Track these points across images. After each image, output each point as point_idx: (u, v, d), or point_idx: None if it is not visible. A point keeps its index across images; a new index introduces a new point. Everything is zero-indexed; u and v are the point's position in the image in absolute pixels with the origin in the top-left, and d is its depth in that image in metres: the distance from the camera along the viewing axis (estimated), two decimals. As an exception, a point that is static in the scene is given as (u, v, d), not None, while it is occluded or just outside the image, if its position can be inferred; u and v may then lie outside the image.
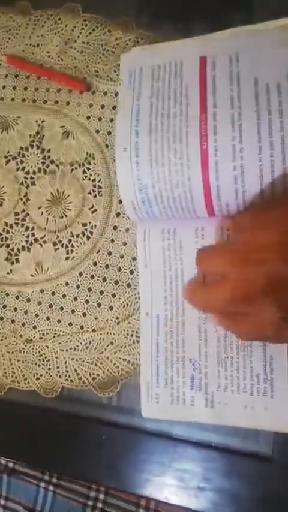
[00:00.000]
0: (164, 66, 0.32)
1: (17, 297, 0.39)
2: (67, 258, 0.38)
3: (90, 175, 0.37)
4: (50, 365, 0.37)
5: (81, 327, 0.37)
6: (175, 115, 0.30)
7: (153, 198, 0.30)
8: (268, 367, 0.30)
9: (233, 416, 0.31)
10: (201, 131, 0.28)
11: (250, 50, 0.30)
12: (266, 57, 0.29)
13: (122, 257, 0.36)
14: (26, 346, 0.38)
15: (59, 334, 0.37)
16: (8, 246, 0.39)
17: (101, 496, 0.66)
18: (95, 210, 0.37)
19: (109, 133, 0.37)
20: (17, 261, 0.39)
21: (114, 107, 0.37)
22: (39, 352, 0.38)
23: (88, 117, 0.38)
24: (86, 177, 0.38)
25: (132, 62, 0.33)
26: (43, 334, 0.38)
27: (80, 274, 0.37)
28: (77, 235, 0.37)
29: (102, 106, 0.37)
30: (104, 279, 0.36)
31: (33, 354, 0.38)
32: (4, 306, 0.39)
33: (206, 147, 0.28)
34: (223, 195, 0.29)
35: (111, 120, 0.37)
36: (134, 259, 0.36)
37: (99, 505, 0.64)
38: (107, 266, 0.37)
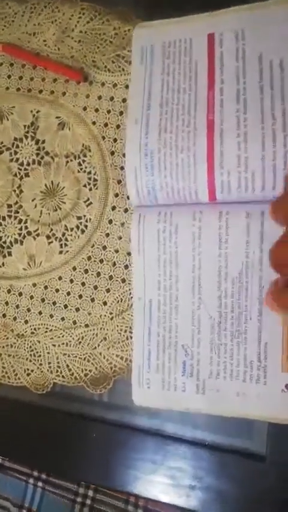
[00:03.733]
0: (174, 43, 0.33)
1: (9, 291, 0.38)
2: (61, 252, 0.37)
3: (86, 167, 0.37)
4: (41, 360, 0.37)
5: (74, 322, 0.36)
6: (185, 90, 0.32)
7: (156, 164, 0.31)
8: (262, 355, 0.30)
9: (225, 403, 0.30)
10: (209, 104, 0.31)
11: (255, 27, 0.31)
12: (269, 33, 0.31)
13: (116, 251, 0.36)
14: (17, 341, 0.37)
15: (51, 329, 0.37)
16: (0, 238, 0.38)
17: (90, 493, 0.65)
18: (90, 203, 0.36)
19: (106, 125, 0.36)
20: (9, 254, 0.38)
21: (111, 98, 0.36)
22: (30, 347, 0.37)
23: (85, 108, 0.37)
24: (81, 169, 0.37)
25: (143, 39, 0.34)
26: (35, 329, 0.37)
27: (74, 268, 0.36)
28: (71, 229, 0.37)
29: (100, 97, 0.37)
30: (98, 274, 0.36)
31: (24, 349, 0.37)
32: (-5, 300, 0.38)
33: (212, 117, 0.30)
34: (226, 161, 0.29)
35: (109, 111, 0.36)
36: (129, 254, 0.35)
37: (88, 501, 0.64)
38: (101, 261, 0.36)
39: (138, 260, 0.33)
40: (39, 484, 0.69)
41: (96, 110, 0.37)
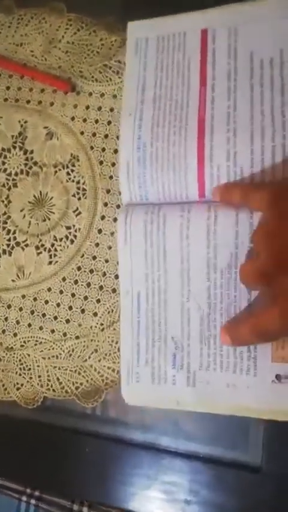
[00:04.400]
0: (168, 37, 0.34)
1: (-3, 303, 0.37)
2: (50, 263, 0.36)
3: (74, 177, 0.36)
4: (31, 374, 0.36)
5: (64, 334, 0.35)
6: (178, 86, 0.32)
7: (148, 157, 0.32)
8: (252, 345, 0.29)
9: (215, 394, 0.30)
10: (200, 100, 0.31)
11: (247, 25, 0.32)
12: (261, 32, 0.31)
13: (107, 261, 0.35)
14: (6, 354, 0.36)
15: (41, 342, 0.36)
16: (-12, 250, 0.38)
17: (85, 510, 0.63)
18: (79, 212, 0.36)
19: (94, 134, 0.36)
20: (-2, 265, 0.37)
21: (99, 108, 0.36)
22: (20, 360, 0.36)
23: (73, 118, 0.37)
24: (70, 179, 0.36)
25: (138, 33, 0.35)
26: (24, 342, 0.36)
27: (64, 279, 0.36)
28: (61, 239, 0.36)
29: (87, 107, 0.37)
30: (88, 284, 0.35)
31: (13, 363, 0.36)
32: (-17, 313, 0.37)
33: (203, 113, 0.31)
34: (215, 155, 0.30)
35: (96, 121, 0.36)
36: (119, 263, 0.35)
37: (83, 518, 0.62)
38: (91, 271, 0.35)
39: (124, 253, 0.32)
40: (32, 501, 0.67)
41: (84, 120, 0.37)
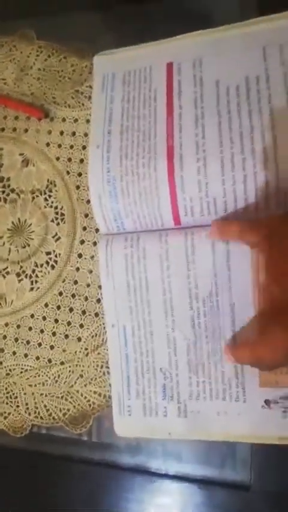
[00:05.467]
0: (134, 71, 0.34)
1: (-19, 333, 0.37)
2: (32, 289, 0.36)
3: (52, 202, 0.36)
4: (18, 402, 0.36)
5: (49, 361, 0.35)
6: (144, 116, 0.32)
7: (119, 191, 0.31)
8: (239, 371, 0.30)
9: (206, 424, 0.30)
10: (168, 130, 0.31)
11: (212, 55, 0.32)
12: (226, 61, 0.32)
13: (88, 286, 0.35)
14: (-9, 384, 0.36)
15: (27, 369, 0.36)
16: None
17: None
18: (59, 238, 0.36)
19: (69, 159, 0.36)
20: (-21, 294, 0.37)
21: (73, 133, 0.37)
22: (6, 389, 0.36)
23: (47, 144, 0.37)
24: (47, 204, 0.37)
25: (104, 68, 0.35)
26: (10, 370, 0.36)
27: (46, 305, 0.36)
28: (41, 265, 0.36)
29: (62, 132, 0.37)
30: (71, 309, 0.35)
31: (0, 392, 0.36)
32: None
33: (172, 143, 0.31)
34: (187, 186, 0.30)
35: (71, 146, 0.36)
36: (101, 287, 0.35)
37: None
38: (73, 295, 0.35)
39: (107, 286, 0.32)
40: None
41: (59, 146, 0.37)
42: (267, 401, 0.29)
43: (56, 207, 0.36)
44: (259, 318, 0.27)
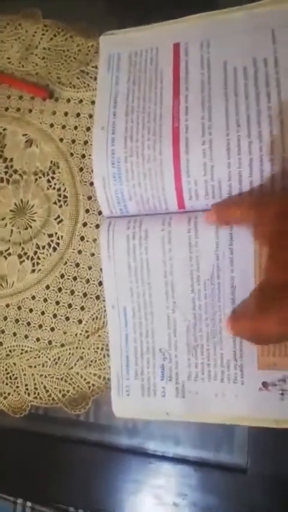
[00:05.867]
0: (140, 52, 0.33)
1: (-19, 313, 0.37)
2: (33, 271, 0.36)
3: (55, 184, 0.36)
4: (18, 383, 0.36)
5: (50, 342, 0.35)
6: (150, 98, 0.32)
7: (124, 173, 0.31)
8: (238, 353, 0.30)
9: (204, 405, 0.30)
10: (174, 112, 0.31)
11: (219, 36, 0.32)
12: (233, 42, 0.31)
13: (90, 268, 0.35)
14: (-9, 364, 0.36)
15: (27, 351, 0.36)
16: None
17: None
18: (61, 220, 0.36)
19: (73, 141, 0.36)
20: (-19, 275, 0.37)
21: (78, 114, 0.36)
22: (6, 370, 0.36)
23: (51, 125, 0.37)
24: (50, 186, 0.36)
25: (110, 48, 0.34)
26: (10, 351, 0.36)
27: (47, 287, 0.36)
28: (43, 247, 0.36)
29: (66, 113, 0.36)
30: (72, 292, 0.35)
31: (0, 372, 0.36)
32: None
33: (177, 125, 0.30)
34: (192, 169, 0.29)
35: (75, 127, 0.36)
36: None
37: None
38: (74, 278, 0.35)
39: (108, 267, 0.32)
40: (28, 504, 0.67)
41: (63, 127, 0.36)
42: (265, 384, 0.29)
43: (58, 189, 0.36)
44: (259, 292, 0.27)
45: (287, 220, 0.25)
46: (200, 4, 0.33)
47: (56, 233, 0.36)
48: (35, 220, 0.36)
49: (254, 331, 0.26)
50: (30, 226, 0.37)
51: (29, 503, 0.66)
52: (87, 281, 0.35)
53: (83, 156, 0.36)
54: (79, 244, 0.35)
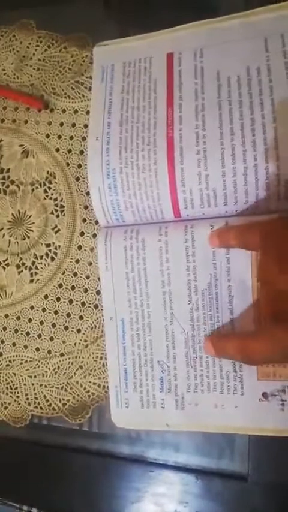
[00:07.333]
0: (134, 62, 0.34)
1: (-19, 324, 0.37)
2: (31, 281, 0.36)
3: (52, 194, 0.36)
4: (18, 393, 0.36)
5: (49, 352, 0.35)
6: (144, 108, 0.32)
7: (119, 183, 0.31)
8: (237, 364, 0.30)
9: (204, 416, 0.30)
10: (168, 121, 0.31)
11: (212, 45, 0.32)
12: (227, 51, 0.31)
13: (88, 278, 0.35)
14: (-8, 374, 0.36)
15: (26, 360, 0.36)
16: None
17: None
18: (59, 230, 0.36)
19: (69, 151, 0.36)
20: (-21, 286, 0.37)
21: (73, 124, 0.36)
22: (6, 380, 0.36)
23: (47, 136, 0.37)
24: (47, 196, 0.36)
25: (104, 58, 0.34)
26: (10, 361, 0.36)
27: (46, 296, 0.36)
28: (41, 257, 0.36)
29: (61, 124, 0.37)
30: (71, 301, 0.35)
31: (0, 382, 0.36)
32: None
33: (172, 134, 0.30)
34: (187, 179, 0.29)
35: (71, 137, 0.36)
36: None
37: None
38: (73, 287, 0.35)
39: (106, 278, 0.32)
40: (34, 510, 0.67)
41: (59, 137, 0.37)
42: (264, 395, 0.29)
43: (55, 199, 0.36)
44: (257, 314, 0.27)
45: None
46: (196, 11, 0.34)
47: (54, 243, 0.36)
48: (32, 231, 0.37)
49: (244, 351, 0.26)
50: (28, 237, 0.37)
51: (34, 510, 0.66)
52: (86, 290, 0.35)
53: (79, 166, 0.36)
54: (77, 254, 0.36)
